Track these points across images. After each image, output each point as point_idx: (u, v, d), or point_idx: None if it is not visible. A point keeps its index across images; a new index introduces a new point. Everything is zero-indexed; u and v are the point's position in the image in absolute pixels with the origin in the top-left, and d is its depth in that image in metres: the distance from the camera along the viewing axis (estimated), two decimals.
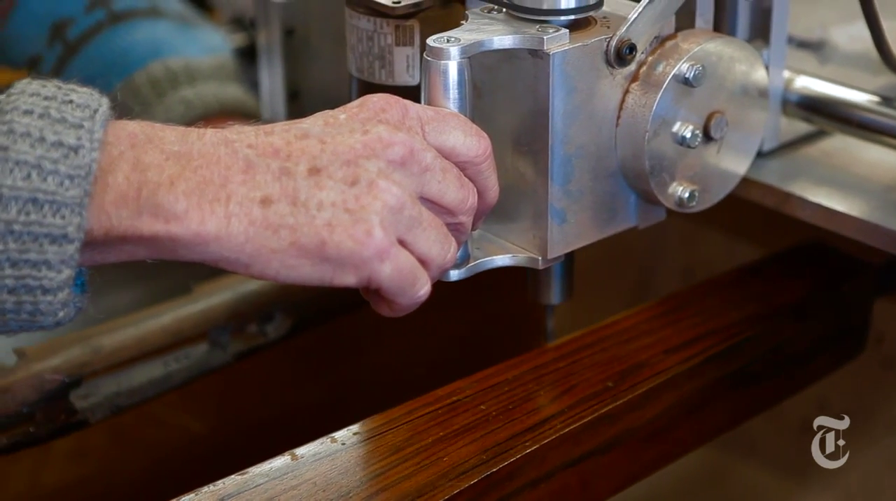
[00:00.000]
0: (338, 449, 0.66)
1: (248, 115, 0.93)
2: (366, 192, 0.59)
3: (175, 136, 0.59)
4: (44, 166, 0.55)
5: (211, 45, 0.98)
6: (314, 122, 0.61)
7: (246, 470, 0.64)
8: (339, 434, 0.67)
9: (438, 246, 0.62)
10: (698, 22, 0.70)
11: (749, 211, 0.79)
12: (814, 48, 0.79)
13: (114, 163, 0.57)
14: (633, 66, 0.68)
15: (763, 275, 0.80)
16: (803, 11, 0.78)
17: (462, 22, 0.67)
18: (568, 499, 0.70)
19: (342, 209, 0.59)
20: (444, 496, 0.63)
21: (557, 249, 0.68)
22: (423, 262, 0.62)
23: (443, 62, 0.64)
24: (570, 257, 0.72)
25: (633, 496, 0.77)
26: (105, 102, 0.58)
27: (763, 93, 0.72)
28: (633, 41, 0.67)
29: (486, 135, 0.64)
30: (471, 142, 0.63)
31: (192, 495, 0.62)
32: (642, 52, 0.68)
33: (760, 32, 0.74)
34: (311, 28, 0.82)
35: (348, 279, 0.60)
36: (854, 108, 0.74)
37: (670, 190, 0.69)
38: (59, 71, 1.00)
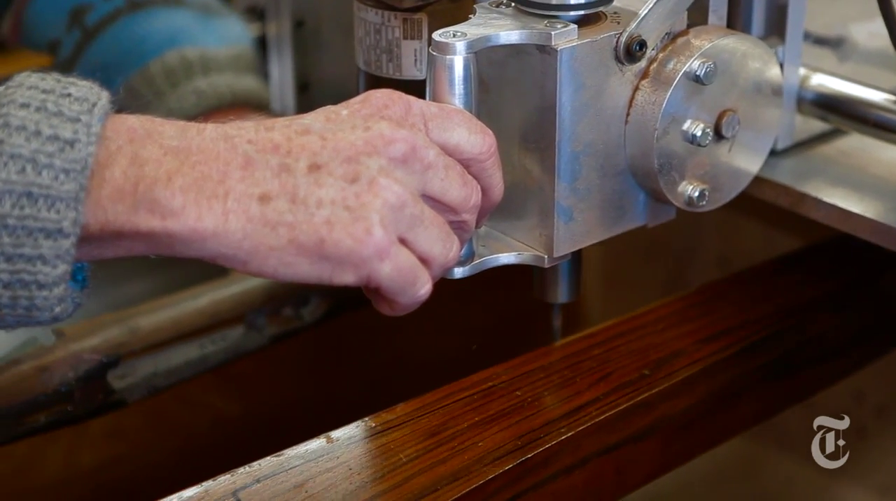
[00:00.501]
0: (373, 433, 0.66)
1: (263, 107, 0.92)
2: (366, 190, 0.58)
3: (174, 131, 0.58)
4: (39, 160, 0.55)
5: (231, 35, 0.97)
6: (315, 118, 0.61)
7: (281, 452, 0.64)
8: (374, 418, 0.67)
9: (440, 244, 0.61)
10: (711, 18, 0.69)
11: None
12: (832, 45, 0.78)
13: (111, 157, 0.56)
14: (643, 63, 0.66)
15: (800, 266, 0.79)
16: (822, 7, 0.76)
17: (470, 16, 0.66)
18: (602, 486, 0.70)
19: (342, 207, 0.58)
20: (478, 481, 0.63)
21: (564, 248, 0.67)
22: (424, 261, 0.61)
23: (448, 57, 0.63)
24: (577, 255, 0.70)
25: (665, 485, 0.77)
26: (104, 96, 0.57)
27: (777, 92, 0.70)
28: (643, 37, 0.65)
29: (490, 131, 0.63)
30: (475, 139, 0.62)
31: (227, 476, 0.63)
32: (653, 49, 0.66)
33: (776, 29, 0.73)
34: (322, 20, 0.82)
35: (347, 278, 0.59)
36: (871, 107, 0.73)
37: (680, 188, 0.68)
38: (77, 56, 1.00)
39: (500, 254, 0.68)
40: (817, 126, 0.76)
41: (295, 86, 0.83)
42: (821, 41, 0.76)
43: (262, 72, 0.92)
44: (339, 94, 0.73)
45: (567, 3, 0.64)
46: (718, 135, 0.68)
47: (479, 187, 0.63)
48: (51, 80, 0.57)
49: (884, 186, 0.73)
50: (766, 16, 0.72)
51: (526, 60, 0.65)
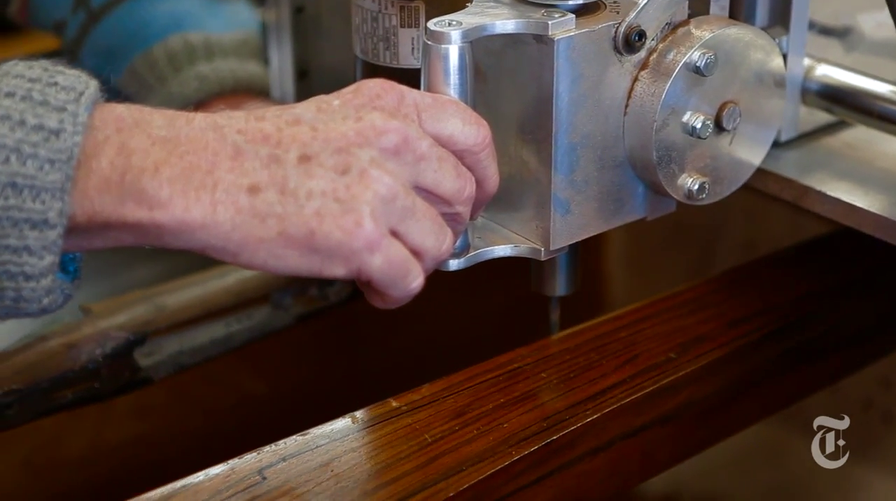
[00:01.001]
0: (398, 413, 0.66)
1: (267, 94, 0.92)
2: (357, 181, 0.58)
3: (163, 121, 0.57)
4: (23, 150, 0.54)
5: (238, 20, 0.96)
6: (307, 108, 0.60)
7: (307, 431, 0.64)
8: (399, 398, 0.67)
9: (433, 237, 0.60)
10: (713, 8, 0.68)
11: None
12: (838, 35, 0.76)
13: (99, 147, 0.56)
14: (642, 54, 0.65)
15: (826, 252, 0.79)
16: None
17: (468, 4, 0.65)
18: (627, 469, 0.70)
19: (332, 198, 0.57)
20: (503, 462, 0.63)
21: (560, 240, 0.66)
22: (416, 254, 0.60)
23: (443, 46, 0.62)
24: (575, 248, 0.70)
25: (690, 469, 0.78)
26: (93, 85, 0.57)
27: (780, 83, 0.69)
28: (642, 27, 0.64)
29: (485, 122, 0.62)
30: (469, 130, 0.61)
31: (254, 454, 0.63)
32: (652, 39, 0.65)
33: (780, 18, 0.71)
34: (322, 6, 0.81)
35: (337, 270, 0.58)
36: (877, 99, 0.72)
37: (679, 181, 0.67)
38: (82, 38, 1.00)
39: (495, 247, 0.67)
40: (822, 117, 0.75)
41: (294, 72, 0.82)
42: (826, 31, 0.75)
43: (264, 58, 0.91)
44: (339, 82, 0.72)
45: None
46: (719, 127, 0.67)
47: (473, 179, 0.62)
48: (38, 69, 0.57)
49: (890, 180, 0.72)
50: (769, 5, 0.71)
51: (523, 50, 0.64)
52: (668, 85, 0.65)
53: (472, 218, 0.64)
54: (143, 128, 0.57)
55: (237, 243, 0.57)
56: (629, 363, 0.69)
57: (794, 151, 0.74)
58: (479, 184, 0.63)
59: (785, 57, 0.71)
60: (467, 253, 0.66)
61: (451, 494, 0.62)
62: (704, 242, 1.04)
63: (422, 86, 0.63)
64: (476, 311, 0.94)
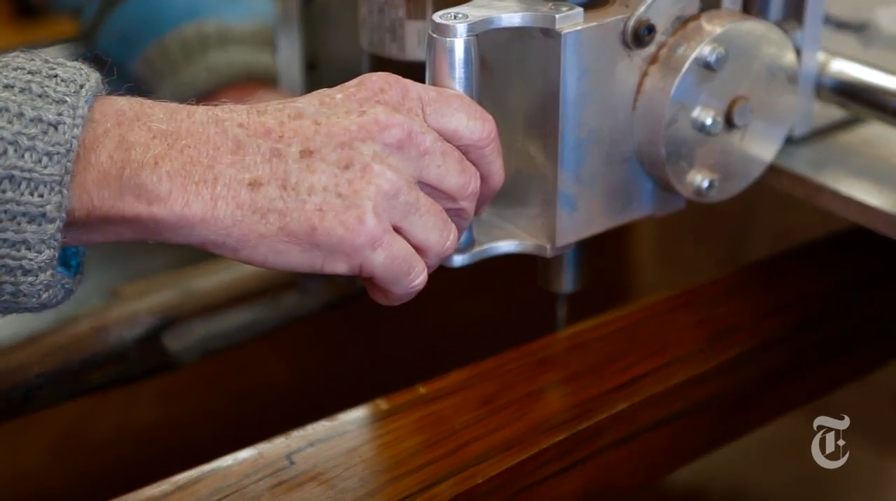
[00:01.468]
0: (426, 399, 0.66)
1: (278, 84, 0.91)
2: (359, 177, 0.57)
3: (164, 114, 0.57)
4: (21, 143, 0.53)
5: (253, 9, 0.96)
6: (309, 102, 0.59)
7: (335, 417, 0.64)
8: (428, 385, 0.66)
9: (437, 232, 0.60)
10: (725, 2, 0.66)
11: None
12: (855, 30, 0.75)
13: (98, 140, 0.55)
14: (652, 48, 0.64)
15: (860, 242, 0.78)
16: None
17: None
18: (655, 459, 0.69)
19: (334, 194, 0.57)
20: (531, 450, 0.63)
21: (566, 237, 0.66)
22: (420, 250, 0.59)
23: (448, 39, 0.61)
24: (582, 245, 0.69)
25: (717, 459, 0.77)
26: (93, 78, 0.56)
27: (792, 79, 0.68)
28: (652, 21, 0.63)
29: (490, 117, 0.61)
30: (474, 124, 0.61)
31: (282, 438, 0.63)
32: (662, 33, 0.64)
33: (795, 12, 0.70)
34: None
35: (339, 267, 0.58)
36: (893, 96, 0.70)
37: (688, 178, 0.66)
38: (98, 24, 1.00)
39: (500, 243, 0.66)
40: (837, 114, 0.74)
41: (303, 64, 0.81)
42: (842, 25, 0.73)
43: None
44: (348, 73, 0.71)
45: None
46: (729, 123, 0.66)
47: (477, 174, 0.61)
48: (38, 61, 0.56)
49: None
50: None
51: (530, 44, 0.63)
52: (678, 80, 0.63)
53: (476, 213, 0.63)
54: (143, 122, 0.56)
55: (237, 238, 0.56)
56: (659, 353, 0.69)
57: (807, 148, 0.73)
58: (484, 179, 0.62)
59: (799, 51, 0.69)
60: (471, 250, 0.65)
61: (479, 481, 0.62)
62: (736, 232, 1.04)
63: (426, 80, 0.62)
64: (504, 298, 0.93)
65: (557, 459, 0.64)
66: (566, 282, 0.70)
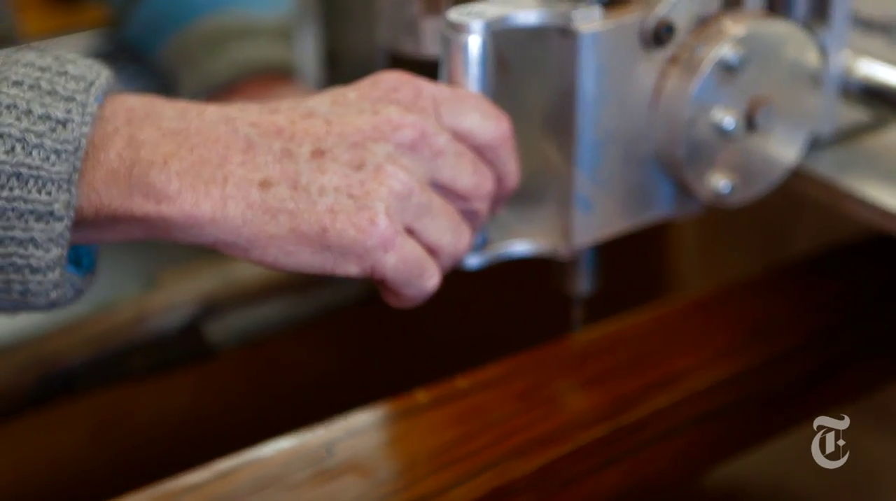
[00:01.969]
0: (465, 392, 0.65)
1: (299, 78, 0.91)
2: (371, 177, 0.56)
3: (174, 112, 0.56)
4: (28, 140, 0.53)
5: (277, 2, 0.95)
6: (322, 101, 0.58)
7: (374, 408, 0.65)
8: (467, 377, 0.66)
9: (450, 234, 0.59)
10: (748, 1, 0.65)
11: None
12: (884, 29, 0.73)
13: (107, 138, 0.54)
14: (672, 48, 0.63)
15: None
16: None
17: None
18: (696, 455, 0.69)
19: (346, 195, 0.56)
20: (570, 445, 0.63)
21: (582, 239, 0.65)
22: (432, 251, 0.59)
23: (463, 37, 0.60)
24: (598, 246, 0.68)
25: (756, 457, 0.76)
26: (104, 75, 0.55)
27: (816, 81, 0.66)
28: (672, 21, 0.62)
29: (505, 117, 0.60)
30: (489, 124, 0.60)
31: (322, 429, 0.63)
32: (683, 33, 0.63)
33: (820, 12, 0.68)
34: None
35: (350, 269, 0.57)
36: None
37: (707, 180, 0.65)
38: (126, 13, 1.00)
39: (515, 244, 0.65)
40: (863, 116, 0.72)
41: (322, 58, 0.80)
42: (870, 25, 0.72)
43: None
44: (367, 67, 0.70)
45: None
46: (750, 125, 0.65)
47: (491, 175, 0.60)
48: (49, 58, 0.56)
49: None
50: None
51: (547, 43, 0.62)
52: (698, 81, 0.62)
53: (491, 214, 0.62)
54: (153, 120, 0.55)
55: (247, 239, 0.56)
56: (700, 349, 0.68)
57: (831, 151, 0.71)
58: (499, 180, 0.61)
59: (825, 52, 0.68)
60: (486, 250, 0.64)
61: (518, 475, 0.61)
62: (777, 228, 1.02)
63: (441, 78, 0.61)
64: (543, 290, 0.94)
65: (596, 454, 0.64)
66: (582, 285, 0.69)
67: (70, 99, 0.54)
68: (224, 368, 0.84)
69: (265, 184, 0.55)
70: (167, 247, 0.90)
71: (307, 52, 0.82)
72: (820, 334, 0.70)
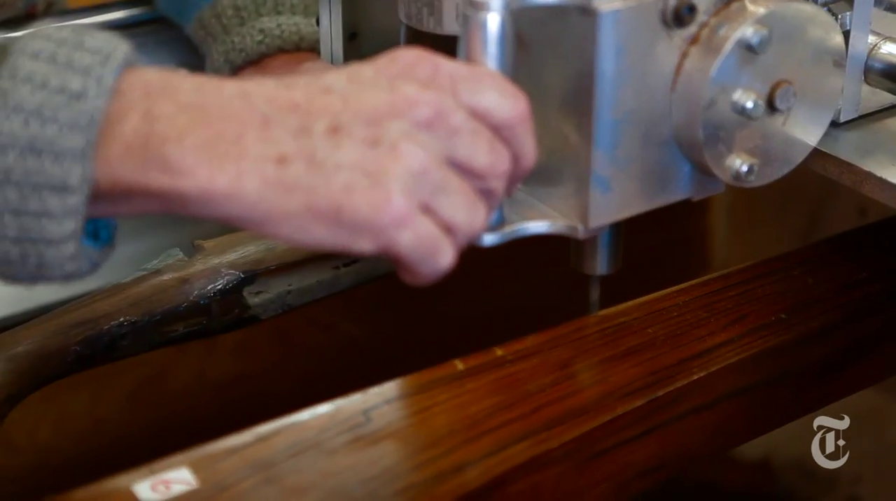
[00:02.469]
0: (502, 362, 0.66)
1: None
2: (387, 155, 0.56)
3: (192, 87, 0.56)
4: (43, 113, 0.53)
5: None
6: (338, 77, 0.58)
7: (412, 376, 0.65)
8: (504, 347, 0.67)
9: (465, 212, 0.59)
10: None
11: None
12: None
13: (123, 112, 0.55)
14: (693, 28, 0.63)
15: None
16: None
17: None
18: (730, 429, 0.69)
19: (361, 172, 0.56)
20: (607, 416, 0.63)
21: (600, 219, 0.64)
22: (448, 230, 0.59)
23: (482, 14, 0.59)
24: (617, 226, 0.67)
25: (783, 431, 0.75)
26: (123, 48, 0.55)
27: (838, 62, 0.66)
28: (693, 1, 0.61)
29: (523, 96, 0.60)
30: (506, 103, 0.59)
31: (359, 395, 0.64)
32: (705, 13, 0.62)
33: None
34: None
35: (365, 246, 0.57)
36: None
37: (727, 162, 0.65)
38: None
39: (531, 223, 0.65)
40: (886, 98, 0.72)
41: (343, 34, 0.80)
42: (894, 7, 0.71)
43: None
44: (389, 44, 0.70)
45: None
46: (771, 107, 0.64)
47: (508, 154, 0.60)
48: (67, 31, 0.56)
49: None
50: None
51: (566, 21, 0.62)
52: (719, 61, 0.62)
53: (507, 193, 0.62)
54: (170, 94, 0.55)
55: (262, 215, 0.56)
56: (738, 322, 0.69)
57: (854, 132, 0.71)
58: (515, 159, 0.60)
59: (847, 33, 0.67)
60: (502, 229, 0.64)
61: (554, 445, 0.62)
62: (815, 206, 1.02)
63: (459, 56, 0.61)
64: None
65: (633, 425, 0.64)
66: (599, 265, 0.68)
67: (86, 72, 0.54)
68: (264, 334, 0.85)
69: (281, 160, 0.55)
70: None
71: (330, 27, 0.81)
72: (855, 310, 0.70)
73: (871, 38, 0.69)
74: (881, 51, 0.69)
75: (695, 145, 0.64)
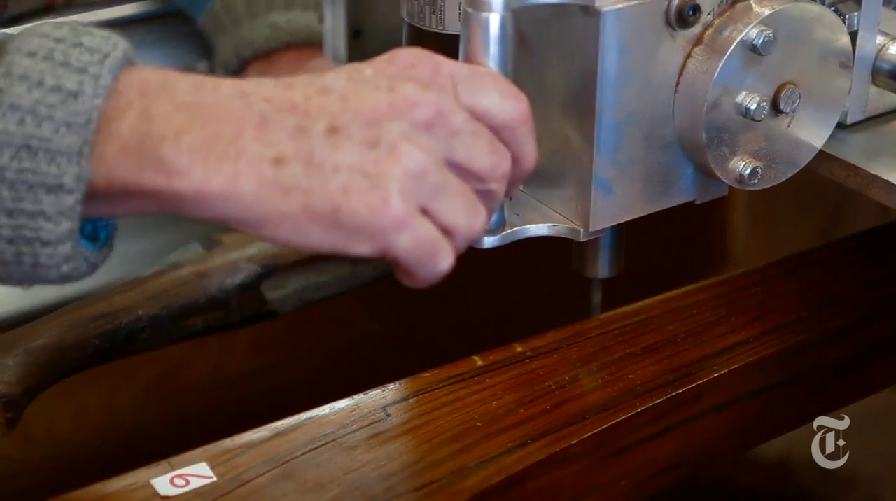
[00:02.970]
0: (522, 357, 0.66)
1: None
2: (386, 156, 0.55)
3: (189, 86, 0.56)
4: (39, 111, 0.53)
5: None
6: (338, 77, 0.57)
7: (430, 372, 0.65)
8: (524, 343, 0.67)
9: (465, 215, 0.58)
10: None
11: None
12: None
13: (121, 111, 0.54)
14: (697, 29, 0.62)
15: None
16: None
17: None
18: (751, 427, 0.69)
19: (360, 173, 0.55)
20: (627, 412, 0.63)
21: (601, 222, 0.64)
22: (447, 232, 0.58)
23: (483, 14, 0.59)
24: (619, 229, 0.67)
25: (802, 429, 0.76)
26: (121, 47, 0.55)
27: (845, 64, 0.65)
28: (697, 1, 0.61)
29: (524, 97, 0.59)
30: (507, 104, 0.59)
31: (378, 390, 0.64)
32: (709, 14, 0.62)
33: None
34: None
35: (363, 248, 0.56)
36: None
37: (730, 165, 0.64)
38: None
39: (532, 225, 0.64)
40: (894, 100, 0.71)
41: (347, 32, 0.80)
42: None
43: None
44: (392, 42, 0.69)
45: None
46: (776, 109, 0.63)
47: (509, 155, 0.59)
48: (66, 29, 0.55)
49: None
50: None
51: (569, 21, 0.61)
52: (722, 63, 0.61)
53: (507, 195, 0.61)
54: (167, 94, 0.55)
55: (259, 216, 0.55)
56: (758, 320, 0.69)
57: (861, 135, 0.70)
58: (516, 160, 0.60)
59: (855, 34, 0.67)
60: (503, 231, 0.64)
61: (574, 441, 0.62)
62: (835, 204, 1.01)
63: (460, 56, 0.61)
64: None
65: (652, 423, 0.65)
66: (601, 268, 0.68)
67: (83, 70, 0.54)
68: (282, 329, 0.84)
69: (278, 161, 0.55)
70: None
71: (334, 25, 0.81)
72: (877, 310, 0.70)
73: (880, 39, 0.68)
74: (890, 51, 0.68)
75: (698, 147, 0.63)
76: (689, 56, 0.62)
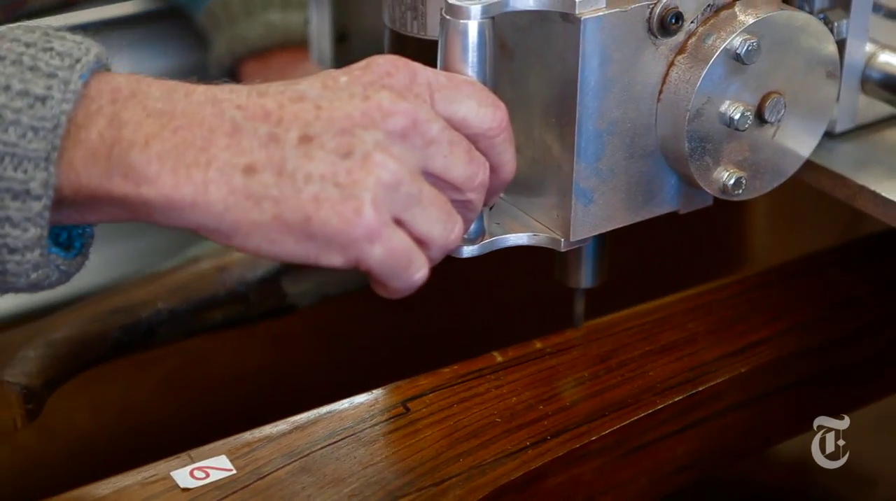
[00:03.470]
0: (541, 354, 0.66)
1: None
2: (359, 166, 0.54)
3: (161, 92, 0.55)
4: (5, 116, 0.52)
5: None
6: (312, 85, 0.56)
7: (449, 368, 0.65)
8: (543, 340, 0.67)
9: (440, 225, 0.57)
10: None
11: None
12: None
13: (90, 117, 0.53)
14: (680, 37, 0.61)
15: None
16: None
17: None
18: (770, 426, 0.69)
19: (332, 183, 0.54)
20: (647, 410, 0.63)
21: (582, 232, 0.63)
22: (422, 243, 0.57)
23: (462, 21, 0.58)
24: (602, 239, 0.66)
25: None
26: (93, 52, 0.54)
27: (832, 73, 0.64)
28: (680, 9, 0.60)
29: (502, 105, 0.58)
30: (485, 112, 0.58)
31: (397, 385, 0.64)
32: (692, 22, 0.61)
33: (841, 1, 0.66)
34: None
35: (334, 259, 0.55)
36: None
37: (714, 175, 0.63)
38: None
39: (512, 234, 0.63)
40: (883, 109, 0.69)
41: (332, 36, 0.79)
42: (892, 14, 0.69)
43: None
44: (378, 46, 0.69)
45: None
46: (761, 118, 0.62)
47: (486, 164, 0.58)
48: (37, 34, 0.54)
49: None
50: None
51: (549, 28, 0.60)
52: (705, 72, 0.60)
53: (486, 205, 0.61)
54: (138, 100, 0.54)
55: (230, 225, 0.54)
56: (778, 319, 0.68)
57: (849, 144, 0.69)
58: (494, 170, 0.59)
59: (844, 42, 0.65)
60: (482, 240, 0.63)
61: (594, 438, 0.62)
62: (851, 206, 1.01)
63: (438, 64, 0.60)
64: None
65: (671, 421, 0.64)
66: (583, 278, 0.67)
67: (52, 75, 0.53)
68: (301, 323, 0.84)
69: (249, 170, 0.54)
70: None
71: (319, 29, 0.80)
72: None
73: (869, 47, 0.67)
74: (879, 60, 0.67)
75: (680, 157, 0.62)
76: (671, 64, 0.61)
